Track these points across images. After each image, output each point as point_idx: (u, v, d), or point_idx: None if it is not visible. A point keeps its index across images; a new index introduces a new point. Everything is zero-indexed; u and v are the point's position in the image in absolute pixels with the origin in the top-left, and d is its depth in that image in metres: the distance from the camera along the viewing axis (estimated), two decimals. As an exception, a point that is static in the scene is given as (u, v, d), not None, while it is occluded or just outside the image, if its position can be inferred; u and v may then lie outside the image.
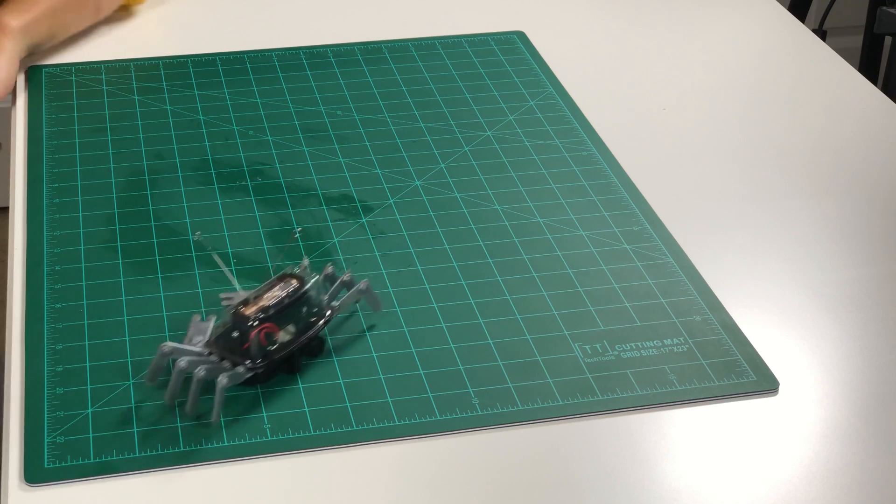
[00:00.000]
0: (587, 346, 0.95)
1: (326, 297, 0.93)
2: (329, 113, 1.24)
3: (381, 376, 0.92)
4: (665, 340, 0.96)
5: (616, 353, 0.95)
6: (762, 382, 0.93)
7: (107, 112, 1.23)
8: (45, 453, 0.85)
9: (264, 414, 0.89)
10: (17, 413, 0.89)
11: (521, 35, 1.38)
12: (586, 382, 0.92)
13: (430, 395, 0.91)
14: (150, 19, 1.40)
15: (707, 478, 0.86)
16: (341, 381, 0.92)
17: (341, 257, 1.04)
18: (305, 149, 1.18)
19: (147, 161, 1.16)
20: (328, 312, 0.92)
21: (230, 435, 0.87)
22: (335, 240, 1.06)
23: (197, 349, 0.89)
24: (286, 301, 0.90)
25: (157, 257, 1.03)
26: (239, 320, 0.88)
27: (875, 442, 0.89)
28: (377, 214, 1.09)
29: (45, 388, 0.90)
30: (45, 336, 0.95)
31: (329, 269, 0.95)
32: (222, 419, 0.88)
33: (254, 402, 0.90)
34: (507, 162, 1.17)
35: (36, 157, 1.15)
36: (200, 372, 0.86)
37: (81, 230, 1.06)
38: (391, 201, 1.11)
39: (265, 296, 0.90)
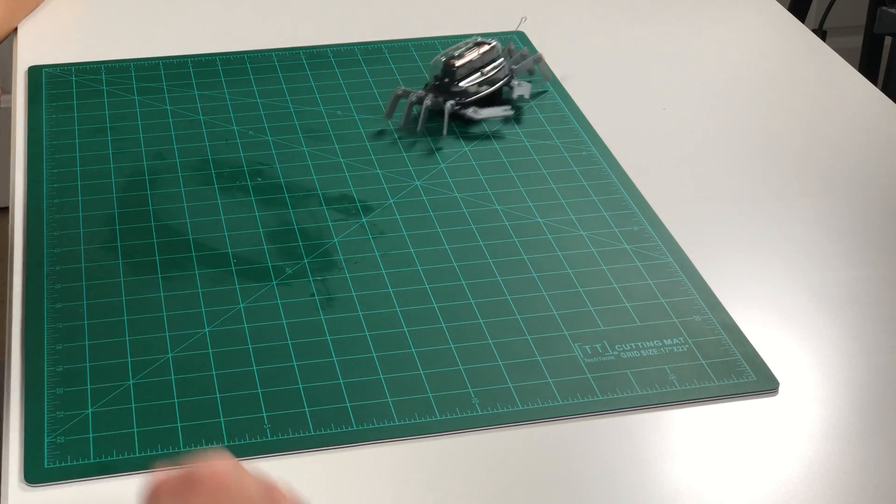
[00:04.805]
0: (587, 346, 0.95)
1: (509, 62, 1.26)
2: (329, 113, 1.24)
3: (381, 376, 0.92)
4: (665, 340, 0.96)
5: (616, 353, 0.95)
6: (762, 382, 0.93)
7: (107, 112, 1.23)
8: (45, 453, 0.85)
9: (264, 414, 0.89)
10: (17, 413, 0.89)
11: (521, 35, 1.38)
12: (586, 382, 0.92)
13: (430, 395, 0.91)
14: (150, 19, 1.40)
15: (707, 478, 0.86)
16: (341, 381, 0.92)
17: (341, 257, 1.04)
18: (305, 149, 1.18)
19: (147, 161, 1.16)
20: (509, 73, 1.25)
21: (230, 435, 0.87)
22: (335, 240, 1.06)
23: (421, 91, 1.21)
24: (482, 58, 1.23)
25: (157, 257, 1.03)
26: (449, 69, 1.21)
27: (875, 442, 0.89)
28: (377, 214, 1.09)
29: (45, 389, 0.90)
30: (45, 336, 0.95)
31: (511, 46, 1.28)
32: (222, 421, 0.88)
33: (254, 402, 0.90)
34: (507, 162, 1.17)
35: (36, 157, 1.15)
36: (427, 101, 1.20)
37: (81, 230, 1.06)
38: (391, 201, 1.11)
39: (466, 54, 1.22)
